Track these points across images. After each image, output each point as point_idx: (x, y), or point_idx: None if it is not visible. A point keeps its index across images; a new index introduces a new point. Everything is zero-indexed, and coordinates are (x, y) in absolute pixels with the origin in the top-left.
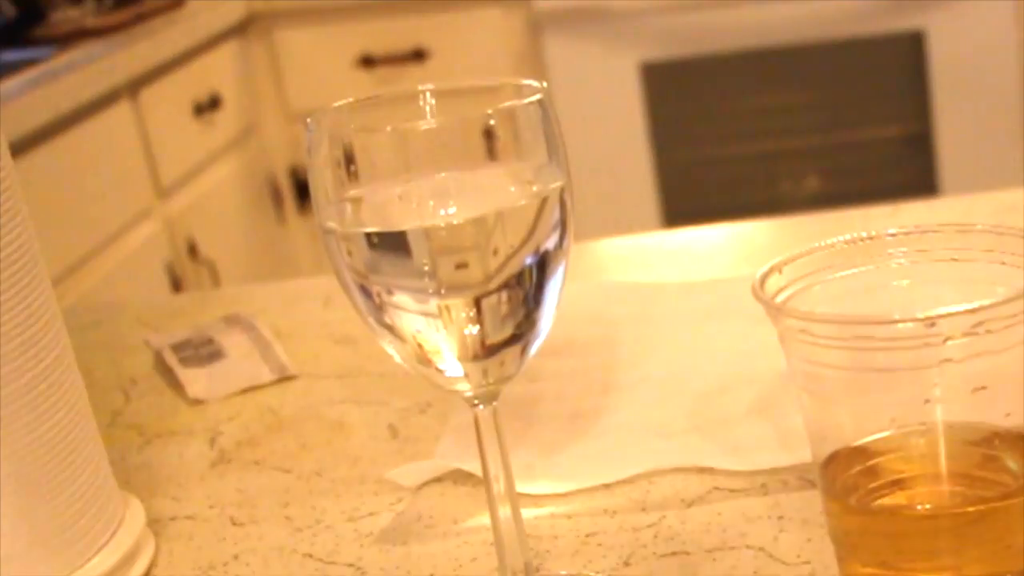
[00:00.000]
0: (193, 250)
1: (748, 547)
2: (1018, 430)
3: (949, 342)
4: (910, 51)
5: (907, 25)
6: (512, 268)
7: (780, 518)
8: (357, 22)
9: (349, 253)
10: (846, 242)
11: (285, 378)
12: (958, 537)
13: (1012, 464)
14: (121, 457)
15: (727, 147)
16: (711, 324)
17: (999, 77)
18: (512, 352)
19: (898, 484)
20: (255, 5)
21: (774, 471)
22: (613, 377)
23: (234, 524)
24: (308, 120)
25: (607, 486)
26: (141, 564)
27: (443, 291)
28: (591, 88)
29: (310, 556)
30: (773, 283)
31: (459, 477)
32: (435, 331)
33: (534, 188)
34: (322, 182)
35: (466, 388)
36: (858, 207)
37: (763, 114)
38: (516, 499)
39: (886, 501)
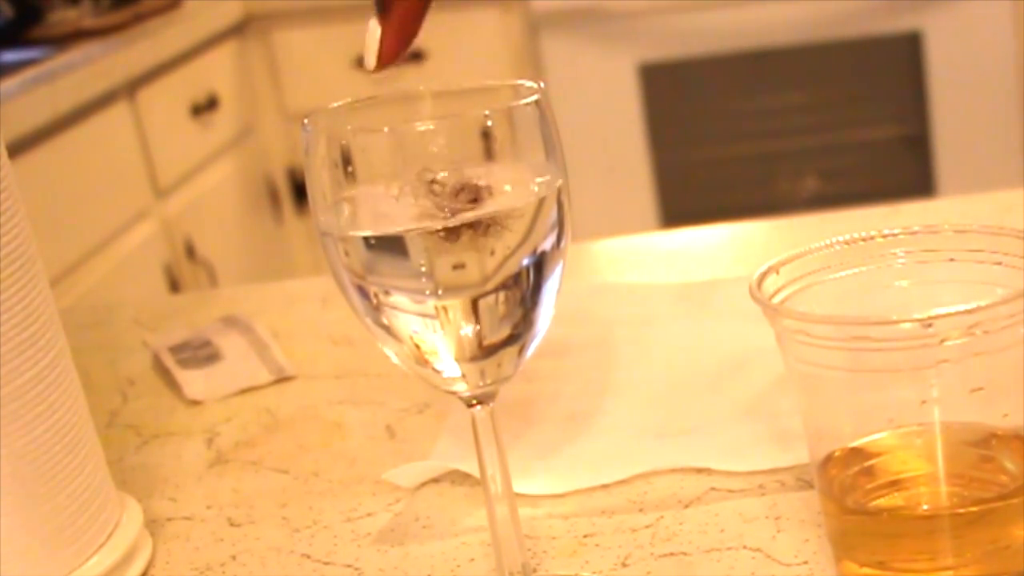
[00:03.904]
0: (191, 251)
1: (746, 547)
2: (1015, 431)
3: (946, 343)
4: (908, 52)
5: (905, 26)
6: (509, 269)
7: (778, 518)
8: (354, 23)
9: (346, 254)
10: (844, 243)
11: (283, 379)
12: (956, 538)
13: (1009, 464)
14: (119, 458)
15: (725, 148)
16: (708, 325)
17: (997, 78)
18: (509, 353)
19: (895, 484)
20: (252, 6)
21: (772, 471)
22: (610, 378)
23: (231, 525)
24: (305, 121)
25: (604, 487)
26: (138, 565)
27: (440, 292)
28: (589, 89)
29: (308, 557)
30: (770, 284)
31: (457, 478)
32: (432, 332)
33: (531, 188)
34: (319, 183)
35: (463, 389)
36: (856, 208)
37: (761, 115)
38: (513, 500)
39: (883, 501)
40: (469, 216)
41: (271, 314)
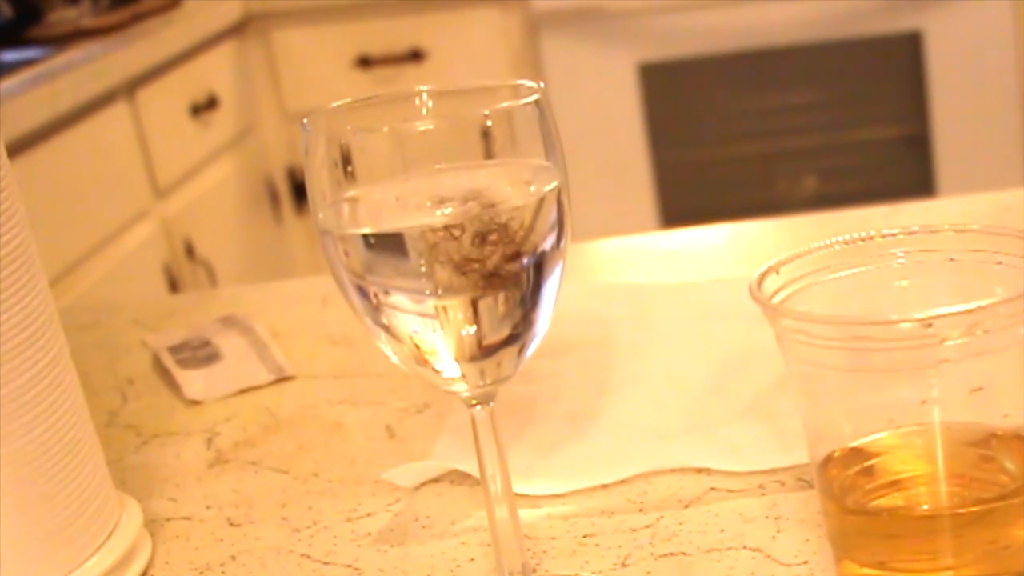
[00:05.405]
0: (190, 250)
1: (746, 547)
2: (1015, 431)
3: (946, 343)
4: (908, 51)
5: (905, 25)
6: (509, 269)
7: (778, 519)
8: (354, 22)
9: (346, 254)
10: (844, 242)
11: (282, 379)
12: (956, 538)
13: (1009, 464)
14: (118, 458)
15: (725, 148)
16: (709, 325)
17: (996, 77)
18: (509, 353)
19: (896, 485)
20: (252, 5)
21: (771, 472)
22: (610, 378)
23: (231, 525)
24: (305, 121)
25: (604, 487)
26: (138, 565)
27: (440, 292)
28: (588, 88)
29: (307, 557)
30: (770, 284)
31: (456, 478)
32: (432, 332)
33: (531, 188)
34: (319, 183)
35: (463, 389)
36: (856, 207)
37: (761, 114)
38: (513, 500)
39: (883, 502)
40: (469, 215)
41: (271, 314)
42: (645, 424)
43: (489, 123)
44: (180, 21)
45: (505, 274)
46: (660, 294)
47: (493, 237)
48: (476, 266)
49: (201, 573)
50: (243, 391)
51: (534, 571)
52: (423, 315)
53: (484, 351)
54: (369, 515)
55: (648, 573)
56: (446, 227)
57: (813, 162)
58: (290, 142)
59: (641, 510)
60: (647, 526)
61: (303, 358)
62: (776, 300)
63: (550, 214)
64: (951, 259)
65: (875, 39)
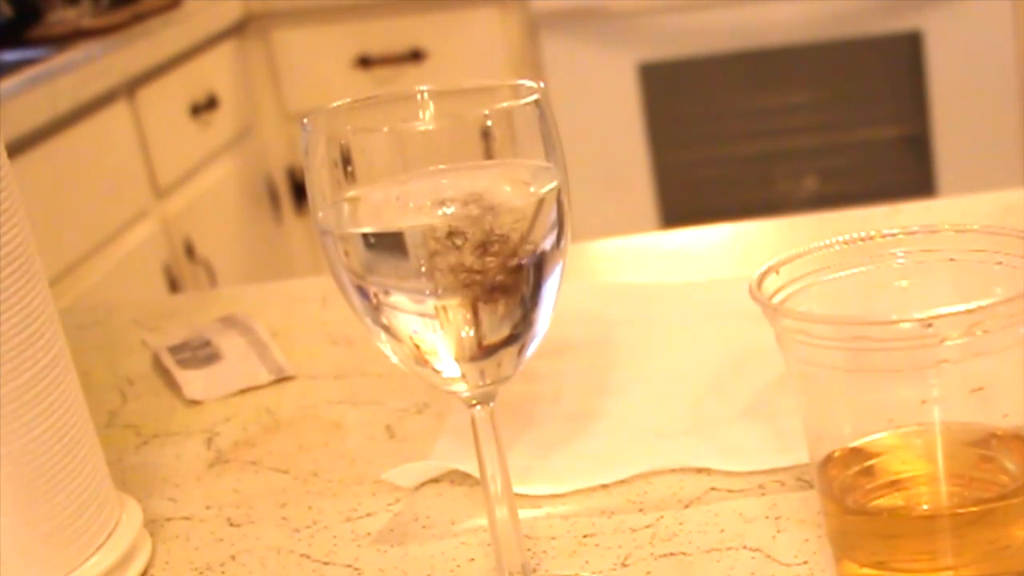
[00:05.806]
0: (190, 250)
1: (745, 547)
2: (1015, 430)
3: (946, 343)
4: (908, 52)
5: (905, 26)
6: (509, 269)
7: (778, 519)
8: (354, 22)
9: (346, 253)
10: (844, 242)
11: (282, 379)
12: (956, 538)
13: (1009, 464)
14: (118, 458)
15: (725, 147)
16: (709, 325)
17: (997, 78)
18: (509, 353)
19: (895, 485)
20: (252, 5)
21: (771, 472)
22: (610, 378)
23: (231, 525)
24: (305, 120)
25: (604, 487)
26: (138, 565)
27: (440, 292)
28: (588, 88)
29: (307, 557)
30: (770, 284)
31: (456, 478)
32: (432, 332)
33: (531, 188)
34: (319, 182)
35: (463, 389)
36: (856, 207)
37: (761, 114)
38: (513, 500)
39: (883, 502)
40: (469, 217)
41: (270, 314)
42: (645, 424)
43: (489, 123)
44: (180, 21)
45: (505, 282)
46: (660, 294)
47: (495, 248)
48: (478, 277)
49: (201, 573)
50: (243, 391)
51: (534, 571)
52: (423, 315)
53: (484, 351)
54: (369, 515)
55: (648, 573)
56: (448, 235)
57: (813, 162)
58: (290, 142)
59: (641, 510)
60: (647, 526)
61: (303, 358)
62: (776, 300)
63: (550, 214)
64: (951, 259)
65: (875, 39)
